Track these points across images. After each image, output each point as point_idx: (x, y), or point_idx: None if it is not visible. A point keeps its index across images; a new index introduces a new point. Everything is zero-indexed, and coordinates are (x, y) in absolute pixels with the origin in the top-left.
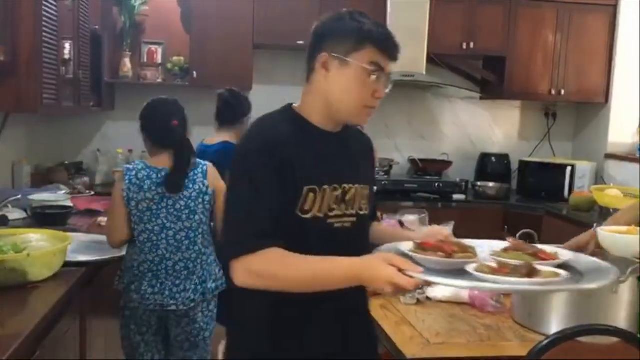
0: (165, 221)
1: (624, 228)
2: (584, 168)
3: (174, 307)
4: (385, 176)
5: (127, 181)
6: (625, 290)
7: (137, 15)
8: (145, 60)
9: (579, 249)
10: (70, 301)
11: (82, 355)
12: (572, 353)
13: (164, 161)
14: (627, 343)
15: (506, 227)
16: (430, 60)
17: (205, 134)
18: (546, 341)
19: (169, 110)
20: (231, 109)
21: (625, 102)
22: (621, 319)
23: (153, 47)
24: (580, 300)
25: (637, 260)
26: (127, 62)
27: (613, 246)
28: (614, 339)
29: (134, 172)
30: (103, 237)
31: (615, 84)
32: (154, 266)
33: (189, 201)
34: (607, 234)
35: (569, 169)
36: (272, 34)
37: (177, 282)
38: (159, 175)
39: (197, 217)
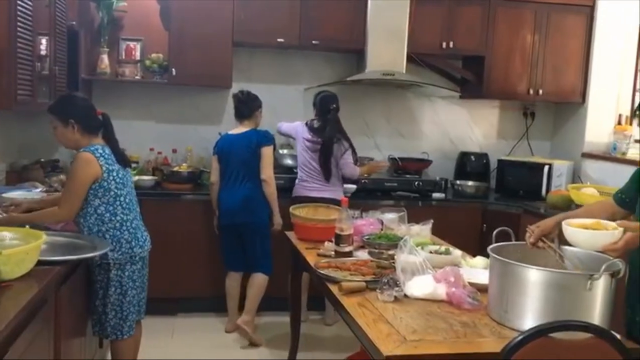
0: (130, 188)
1: (589, 221)
2: (561, 167)
3: (147, 252)
4: (366, 175)
5: (102, 159)
6: (599, 287)
7: (115, 11)
8: (123, 56)
9: (543, 234)
10: (44, 301)
11: (56, 356)
12: (546, 349)
13: (101, 141)
14: (599, 339)
15: (484, 225)
16: (410, 59)
17: (186, 130)
18: (520, 337)
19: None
20: (246, 105)
21: (602, 102)
22: (595, 315)
23: (131, 44)
24: (555, 297)
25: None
26: (104, 59)
27: (577, 240)
28: (587, 335)
29: (100, 150)
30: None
31: (592, 84)
32: (129, 222)
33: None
34: (571, 228)
35: (546, 167)
36: (251, 32)
37: (143, 229)
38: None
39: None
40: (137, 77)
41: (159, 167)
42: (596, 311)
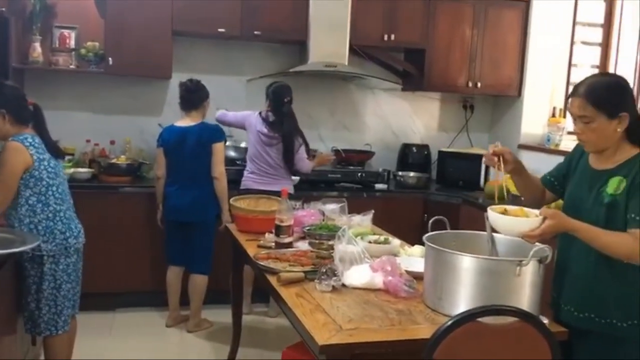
0: (63, 178)
1: (514, 208)
2: None
3: (82, 244)
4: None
5: (32, 148)
6: (528, 273)
7: None
8: (57, 45)
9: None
10: None
11: None
12: (475, 333)
13: (31, 131)
14: (525, 322)
15: (426, 215)
16: (353, 51)
17: (124, 121)
18: (449, 322)
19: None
20: (195, 95)
21: (537, 95)
22: (525, 299)
23: (65, 32)
24: (487, 283)
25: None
26: (37, 47)
27: (499, 225)
28: (514, 319)
29: (30, 139)
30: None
31: (528, 78)
32: (62, 213)
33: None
34: (494, 214)
35: (484, 158)
36: (191, 21)
37: (77, 221)
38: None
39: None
40: (71, 66)
41: (96, 159)
42: (525, 296)
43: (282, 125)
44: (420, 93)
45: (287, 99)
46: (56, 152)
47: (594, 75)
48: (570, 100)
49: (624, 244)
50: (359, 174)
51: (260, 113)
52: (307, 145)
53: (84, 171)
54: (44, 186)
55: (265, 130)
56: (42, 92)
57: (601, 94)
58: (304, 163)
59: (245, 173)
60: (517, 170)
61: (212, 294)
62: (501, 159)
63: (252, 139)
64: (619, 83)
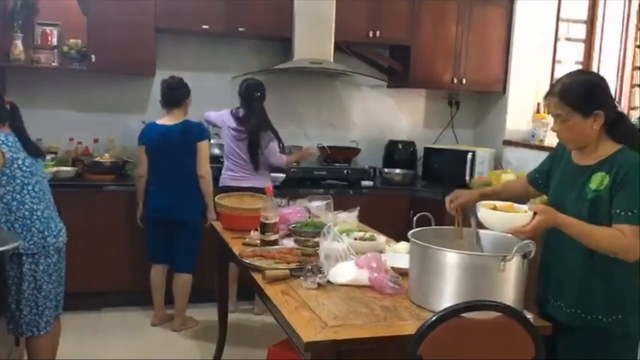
0: (41, 177)
1: (503, 204)
2: (483, 154)
3: (63, 243)
4: (295, 164)
5: (4, 147)
6: (512, 268)
7: None
8: (39, 42)
9: (463, 206)
10: None
11: None
12: (459, 329)
13: (6, 129)
14: (508, 317)
15: (412, 211)
16: (339, 48)
17: (108, 119)
18: (434, 317)
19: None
20: (177, 92)
21: (521, 92)
22: (509, 295)
23: (47, 29)
24: (471, 279)
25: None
26: (18, 44)
27: (489, 221)
28: (498, 314)
29: (2, 137)
30: None
31: (512, 74)
32: (40, 212)
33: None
34: (484, 209)
35: (469, 155)
36: (175, 18)
37: (58, 220)
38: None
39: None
40: (54, 64)
41: (80, 158)
42: (509, 291)
43: (250, 120)
44: (405, 90)
45: (257, 94)
46: (34, 151)
47: (569, 74)
48: (547, 99)
49: (612, 239)
50: (345, 171)
51: (232, 110)
52: (279, 139)
53: (67, 170)
54: (18, 185)
55: (234, 126)
56: (24, 90)
57: (575, 93)
58: (276, 157)
59: (223, 170)
60: (488, 197)
61: (198, 292)
62: (459, 211)
63: (225, 136)
64: (593, 81)
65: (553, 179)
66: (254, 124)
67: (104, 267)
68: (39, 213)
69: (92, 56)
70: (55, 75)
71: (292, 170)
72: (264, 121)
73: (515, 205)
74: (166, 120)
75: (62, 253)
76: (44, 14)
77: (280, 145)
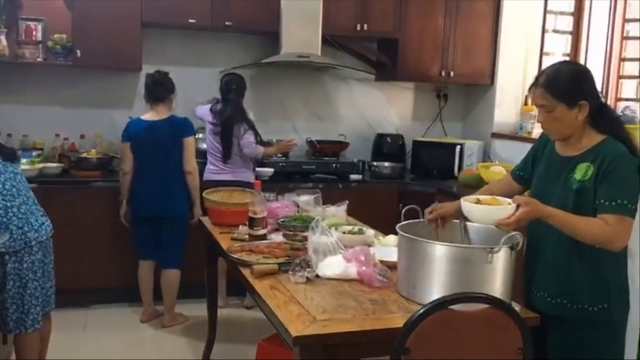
0: (10, 174)
1: (487, 197)
2: (472, 147)
3: (46, 237)
4: (283, 158)
5: None
6: (499, 260)
7: None
8: (23, 37)
9: (443, 215)
10: None
11: None
12: (447, 321)
13: None
14: (496, 309)
15: (401, 205)
16: (326, 41)
17: (95, 115)
18: (422, 310)
19: None
20: (163, 87)
21: (509, 84)
22: (496, 286)
23: (32, 24)
24: (459, 271)
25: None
26: (2, 40)
27: (473, 215)
28: (485, 306)
29: None
30: None
31: (500, 66)
32: (15, 208)
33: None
34: (467, 204)
35: (458, 147)
36: (161, 12)
37: (40, 214)
38: None
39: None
40: (39, 59)
41: (66, 154)
42: (497, 283)
43: (224, 112)
44: (393, 83)
45: (233, 87)
46: (10, 156)
47: (553, 65)
48: (532, 90)
49: (596, 229)
50: (334, 165)
51: (212, 105)
52: (255, 131)
53: (53, 166)
54: None
55: (210, 119)
56: (9, 86)
57: (560, 84)
58: (251, 148)
59: (206, 165)
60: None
61: (187, 288)
62: (439, 222)
63: (207, 131)
64: (578, 72)
65: (536, 171)
66: (227, 114)
67: (91, 264)
68: (14, 209)
69: (78, 51)
70: (41, 71)
71: (280, 164)
72: (238, 112)
73: (499, 198)
74: (151, 115)
75: (47, 248)
76: (28, 9)
77: (258, 137)
